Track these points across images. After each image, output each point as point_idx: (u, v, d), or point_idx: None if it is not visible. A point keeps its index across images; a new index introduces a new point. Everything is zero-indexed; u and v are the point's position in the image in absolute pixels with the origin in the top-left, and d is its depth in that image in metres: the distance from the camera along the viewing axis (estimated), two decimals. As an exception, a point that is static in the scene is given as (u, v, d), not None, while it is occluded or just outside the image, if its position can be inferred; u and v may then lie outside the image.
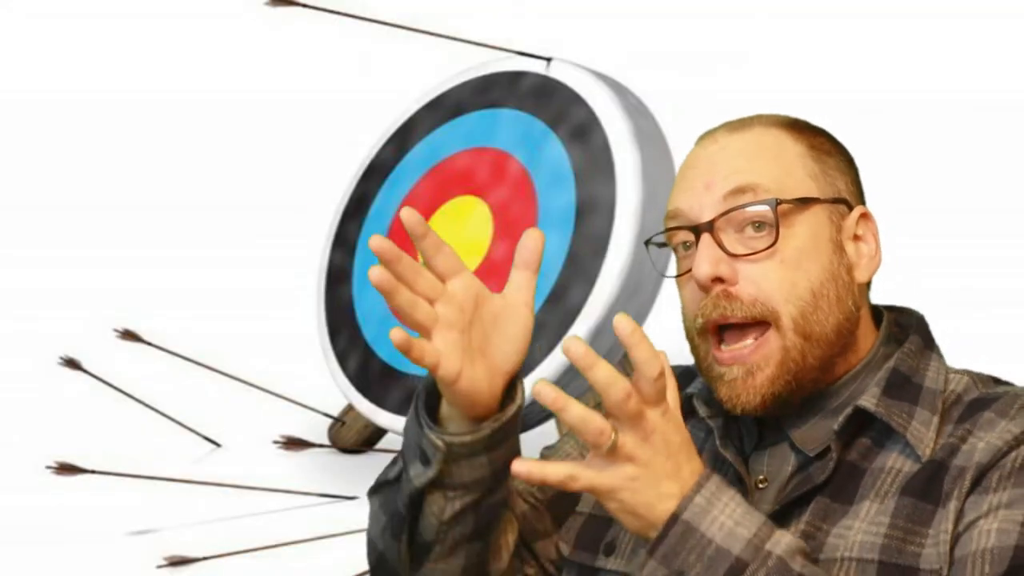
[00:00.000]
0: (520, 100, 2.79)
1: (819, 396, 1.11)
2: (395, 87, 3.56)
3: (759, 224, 1.08)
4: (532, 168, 2.71)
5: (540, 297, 2.61)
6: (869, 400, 1.07)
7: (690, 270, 1.10)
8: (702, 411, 1.14)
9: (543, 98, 2.75)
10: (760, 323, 1.08)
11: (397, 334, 0.97)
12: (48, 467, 2.57)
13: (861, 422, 1.08)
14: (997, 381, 1.13)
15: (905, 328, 1.16)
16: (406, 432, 1.10)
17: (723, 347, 1.09)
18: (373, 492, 1.17)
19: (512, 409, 1.07)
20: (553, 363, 2.55)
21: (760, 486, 1.10)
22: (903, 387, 1.09)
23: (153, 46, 4.60)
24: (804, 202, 1.09)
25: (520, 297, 1.06)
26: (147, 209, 4.40)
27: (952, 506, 1.02)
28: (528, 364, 2.57)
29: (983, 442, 1.04)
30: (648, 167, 2.60)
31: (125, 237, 4.34)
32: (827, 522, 1.05)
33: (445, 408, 1.08)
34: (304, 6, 2.74)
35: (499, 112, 2.82)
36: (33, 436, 3.18)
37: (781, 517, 1.07)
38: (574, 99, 2.70)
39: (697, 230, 1.08)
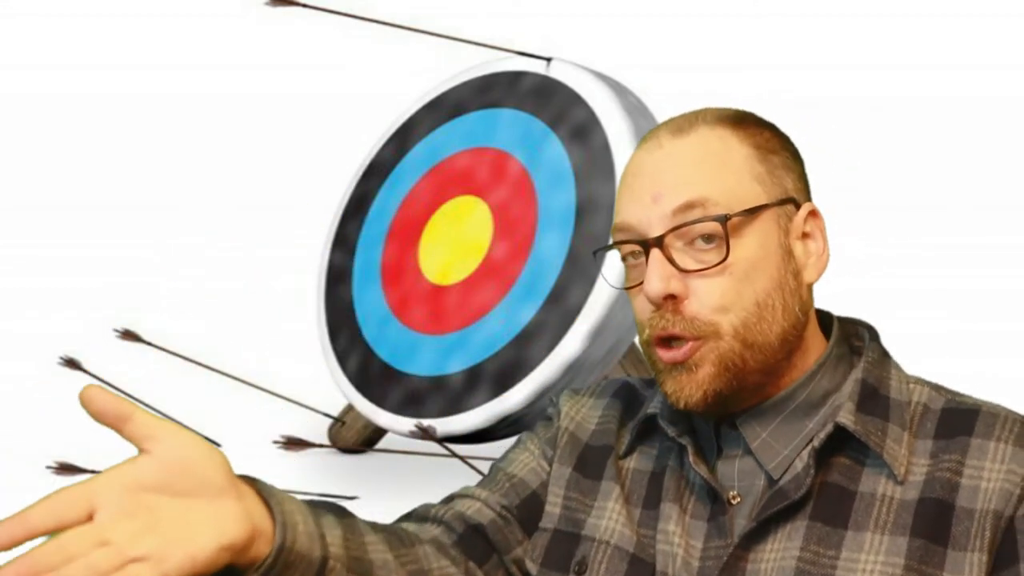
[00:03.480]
0: (520, 100, 2.79)
1: (778, 399, 1.10)
2: (395, 87, 3.56)
3: (708, 237, 1.07)
4: (532, 168, 2.71)
5: (540, 297, 2.60)
6: (847, 417, 1.07)
7: (641, 283, 1.09)
8: (671, 431, 1.13)
9: (543, 98, 2.75)
10: (699, 337, 1.07)
11: None
12: (48, 467, 2.57)
13: (836, 437, 1.08)
14: (942, 388, 1.13)
15: (858, 335, 1.15)
16: None
17: (664, 352, 1.09)
18: None
19: (271, 556, 0.94)
20: (553, 363, 2.54)
21: (733, 502, 1.10)
22: (873, 400, 1.09)
23: (153, 46, 4.59)
24: (753, 211, 1.08)
25: (182, 440, 0.90)
26: (147, 209, 4.40)
27: (975, 558, 1.02)
28: (528, 364, 2.57)
29: (985, 480, 1.04)
30: (648, 167, 2.60)
31: (125, 237, 4.34)
32: (824, 546, 1.05)
33: None
34: (304, 6, 2.74)
35: (499, 112, 2.82)
36: (33, 436, 3.18)
37: (759, 533, 1.07)
38: (574, 99, 2.70)
39: (646, 245, 1.07)
